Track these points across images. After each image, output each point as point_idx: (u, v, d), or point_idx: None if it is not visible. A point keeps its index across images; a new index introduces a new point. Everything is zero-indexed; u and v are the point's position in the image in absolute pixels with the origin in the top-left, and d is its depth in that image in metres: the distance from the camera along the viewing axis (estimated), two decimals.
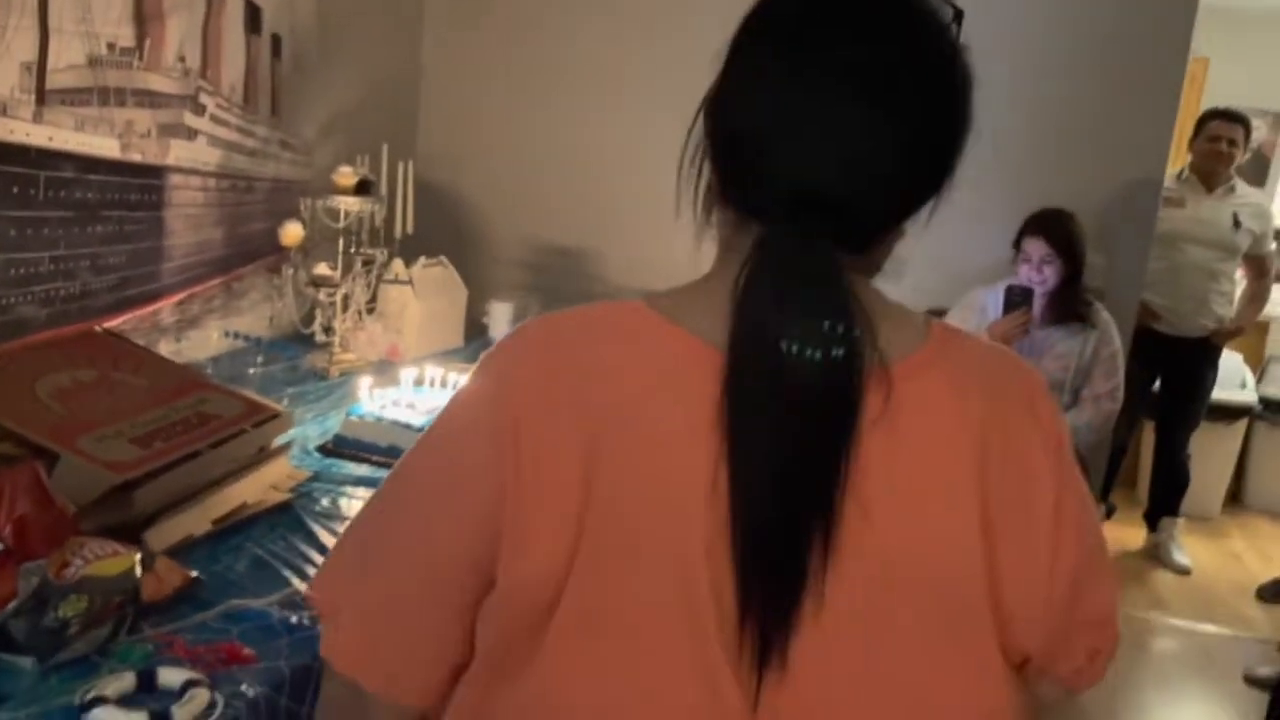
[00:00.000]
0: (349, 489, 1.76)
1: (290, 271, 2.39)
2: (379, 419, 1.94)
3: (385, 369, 2.56)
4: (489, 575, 0.70)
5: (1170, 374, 3.88)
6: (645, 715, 0.67)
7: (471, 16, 3.44)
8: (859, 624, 0.68)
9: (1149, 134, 2.94)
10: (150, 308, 2.30)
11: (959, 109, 0.74)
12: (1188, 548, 4.08)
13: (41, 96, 1.91)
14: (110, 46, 2.06)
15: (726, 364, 0.68)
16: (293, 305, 2.46)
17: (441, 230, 3.50)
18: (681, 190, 0.84)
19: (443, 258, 2.88)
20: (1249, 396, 4.65)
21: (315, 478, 1.78)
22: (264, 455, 1.67)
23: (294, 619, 1.27)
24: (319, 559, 1.47)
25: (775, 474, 0.66)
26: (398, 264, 2.69)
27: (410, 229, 2.77)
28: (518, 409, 0.71)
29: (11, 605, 1.09)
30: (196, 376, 1.73)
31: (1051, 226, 2.68)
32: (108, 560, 1.15)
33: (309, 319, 2.49)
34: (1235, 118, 3.76)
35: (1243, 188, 3.83)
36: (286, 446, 1.75)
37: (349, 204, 2.40)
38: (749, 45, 0.77)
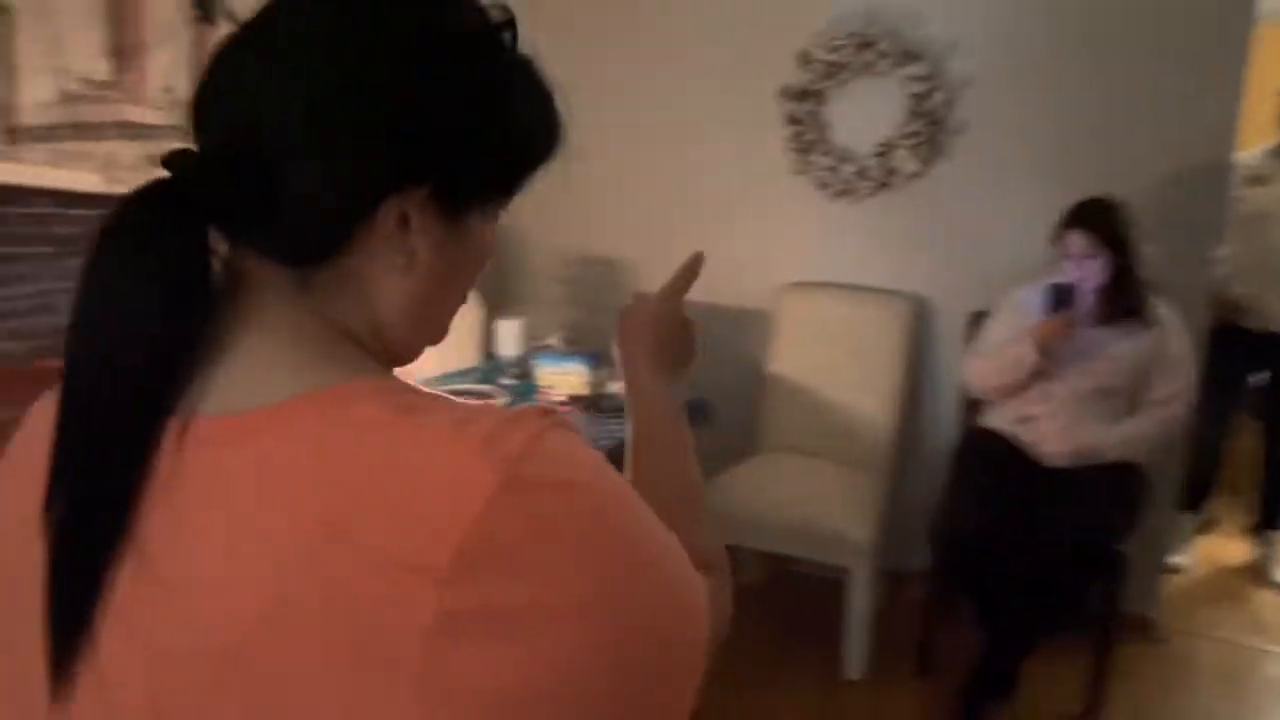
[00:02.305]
0: None
1: None
2: None
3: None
4: None
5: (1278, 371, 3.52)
6: None
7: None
8: None
9: (1214, 110, 2.66)
10: None
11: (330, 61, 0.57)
12: None
13: (12, 134, 1.94)
14: (85, 81, 2.08)
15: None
16: None
17: None
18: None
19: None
20: None
21: None
22: None
23: None
24: None
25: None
26: None
27: None
28: None
29: None
30: None
31: (1092, 217, 2.43)
32: None
33: None
34: None
35: None
36: None
37: None
38: None
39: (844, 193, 3.01)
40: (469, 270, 0.67)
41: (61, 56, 2.02)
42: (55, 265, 2.07)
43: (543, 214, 3.46)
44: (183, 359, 0.55)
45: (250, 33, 0.59)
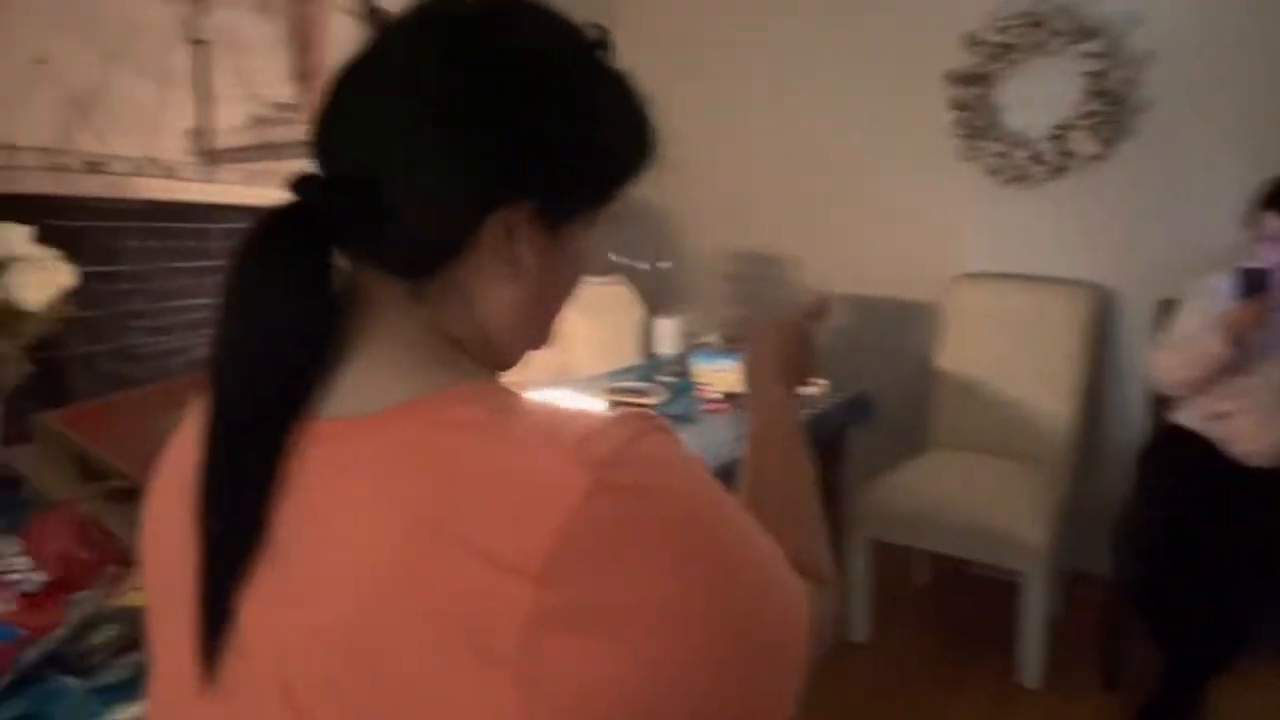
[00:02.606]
0: None
1: None
2: None
3: (556, 387, 2.60)
4: None
5: None
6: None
7: (663, 22, 3.44)
8: None
9: None
10: None
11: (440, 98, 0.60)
12: None
13: (208, 157, 2.13)
14: (273, 105, 2.26)
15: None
16: None
17: (643, 243, 3.53)
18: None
19: (617, 277, 2.89)
20: None
21: None
22: None
23: None
24: None
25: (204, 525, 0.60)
26: None
27: None
28: None
29: (60, 631, 1.21)
30: None
31: None
32: (143, 592, 1.24)
33: None
34: None
35: None
36: None
37: None
38: None
39: (1016, 179, 2.88)
40: (569, 277, 0.70)
41: (252, 84, 2.20)
42: None
43: (703, 210, 3.48)
44: (311, 369, 0.60)
45: (363, 62, 0.63)
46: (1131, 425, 2.84)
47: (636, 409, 0.61)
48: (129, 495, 1.55)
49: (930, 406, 3.00)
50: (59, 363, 1.91)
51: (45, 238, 1.83)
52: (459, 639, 0.50)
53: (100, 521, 1.38)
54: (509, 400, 0.60)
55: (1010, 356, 2.90)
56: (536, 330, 0.70)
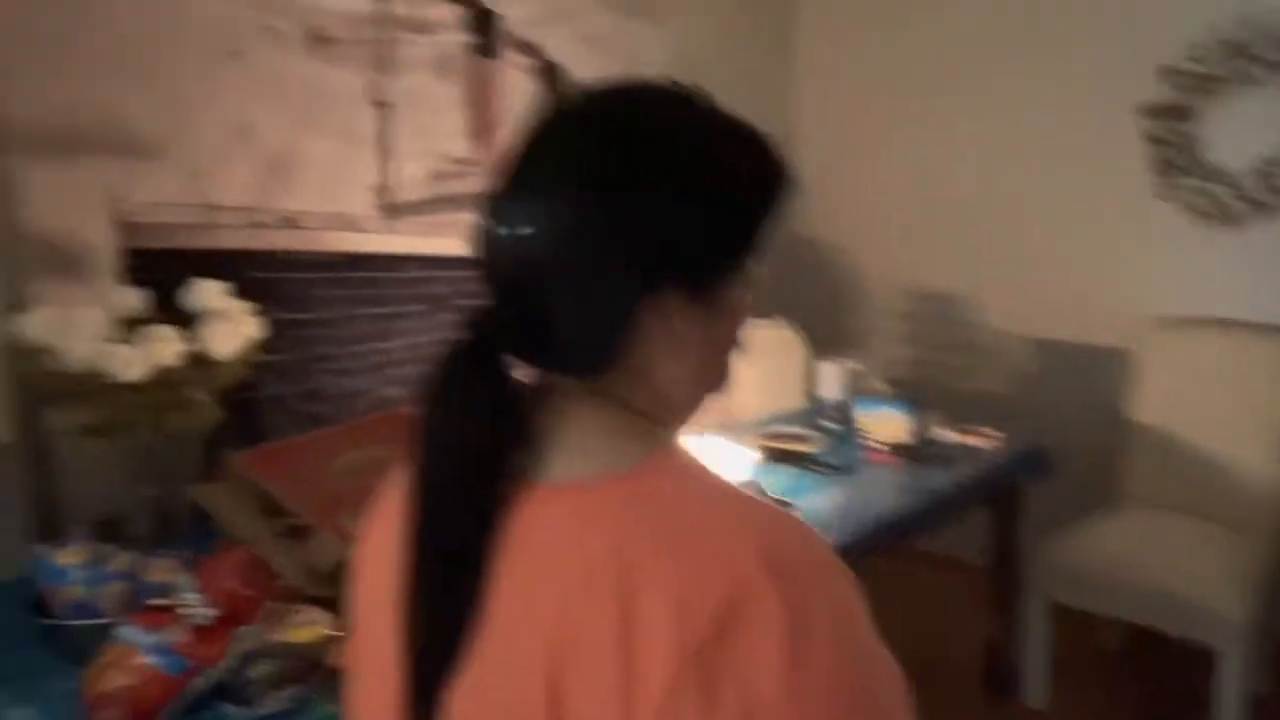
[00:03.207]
0: None
1: None
2: None
3: (717, 432, 2.61)
4: None
5: None
6: None
7: (843, 54, 3.41)
8: None
9: None
10: None
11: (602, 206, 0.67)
12: None
13: (390, 210, 2.28)
14: (450, 160, 2.39)
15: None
16: None
17: (815, 282, 3.50)
18: None
19: (780, 319, 2.88)
20: None
21: None
22: None
23: None
24: None
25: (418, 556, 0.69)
26: None
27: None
28: None
29: (224, 663, 1.31)
30: None
31: None
32: (301, 628, 1.34)
33: None
34: None
35: None
36: None
37: None
38: None
39: (1218, 217, 2.68)
40: (730, 331, 0.76)
41: (431, 141, 2.34)
42: (426, 320, 2.38)
43: (877, 246, 3.42)
44: (506, 459, 0.68)
45: (522, 161, 0.71)
46: None
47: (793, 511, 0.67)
48: (301, 533, 1.67)
49: (1119, 459, 2.81)
50: (254, 403, 2.08)
51: (243, 288, 2.00)
52: (628, 685, 0.57)
53: (267, 561, 1.49)
54: (692, 475, 0.68)
55: (1213, 407, 2.68)
56: (709, 386, 0.77)
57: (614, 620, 0.59)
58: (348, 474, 1.78)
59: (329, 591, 1.51)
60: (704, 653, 0.57)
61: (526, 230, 0.68)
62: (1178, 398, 2.73)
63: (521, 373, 0.71)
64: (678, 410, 0.75)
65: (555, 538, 0.65)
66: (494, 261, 0.71)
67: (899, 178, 3.31)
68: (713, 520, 0.63)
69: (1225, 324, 2.71)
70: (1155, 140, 2.72)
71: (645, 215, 0.67)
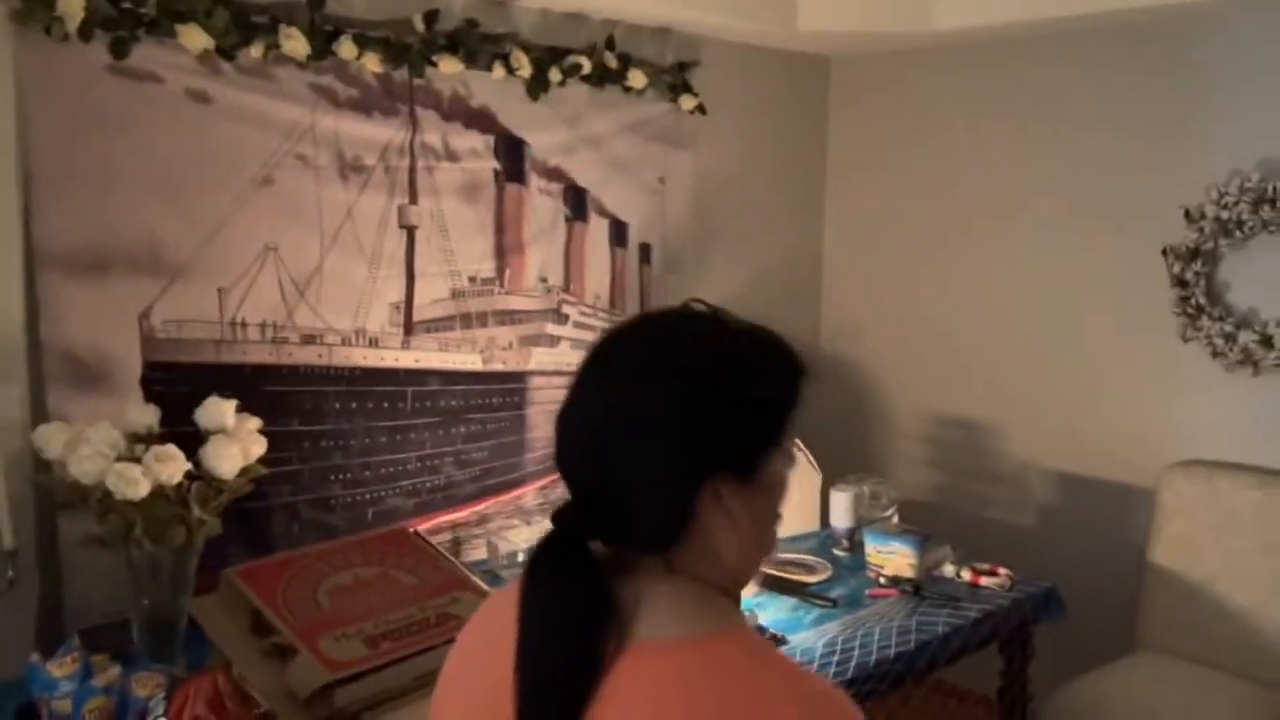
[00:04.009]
0: None
1: None
2: None
3: None
4: None
5: None
6: None
7: (870, 190, 3.47)
8: None
9: None
10: (513, 494, 2.64)
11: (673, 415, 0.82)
12: None
13: (409, 328, 2.36)
14: (472, 279, 2.48)
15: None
16: None
17: (838, 406, 3.51)
18: None
19: (796, 441, 2.88)
20: None
21: None
22: None
23: None
24: None
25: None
26: None
27: None
28: None
29: None
30: (460, 577, 1.95)
31: None
32: None
33: None
34: None
35: None
36: None
37: None
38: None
39: (1244, 362, 2.64)
40: (775, 503, 0.89)
41: (454, 262, 2.44)
42: (439, 433, 2.45)
43: (903, 370, 3.42)
44: (597, 628, 0.80)
45: (592, 361, 0.88)
46: None
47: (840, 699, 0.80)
48: (287, 652, 1.71)
49: (1138, 602, 2.74)
50: (265, 512, 2.15)
51: (262, 401, 2.08)
52: None
53: (245, 685, 1.54)
54: (760, 650, 0.83)
55: (1240, 556, 2.60)
56: (763, 550, 0.90)
57: None
58: (339, 594, 1.82)
59: (312, 713, 1.55)
60: None
61: (600, 424, 0.84)
62: (1199, 543, 2.66)
63: (602, 551, 0.84)
64: (738, 577, 0.88)
65: (639, 693, 0.77)
66: (570, 453, 0.86)
67: (927, 305, 3.32)
68: (772, 691, 0.77)
69: (1254, 471, 2.65)
70: (1180, 282, 2.71)
71: (701, 416, 0.82)
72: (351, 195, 2.23)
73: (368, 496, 2.33)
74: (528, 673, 0.81)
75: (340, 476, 2.28)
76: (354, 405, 2.28)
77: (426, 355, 2.40)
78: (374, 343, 2.30)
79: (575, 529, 0.84)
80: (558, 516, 0.85)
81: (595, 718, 0.77)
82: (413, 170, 2.33)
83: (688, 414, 0.82)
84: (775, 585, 2.39)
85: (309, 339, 2.19)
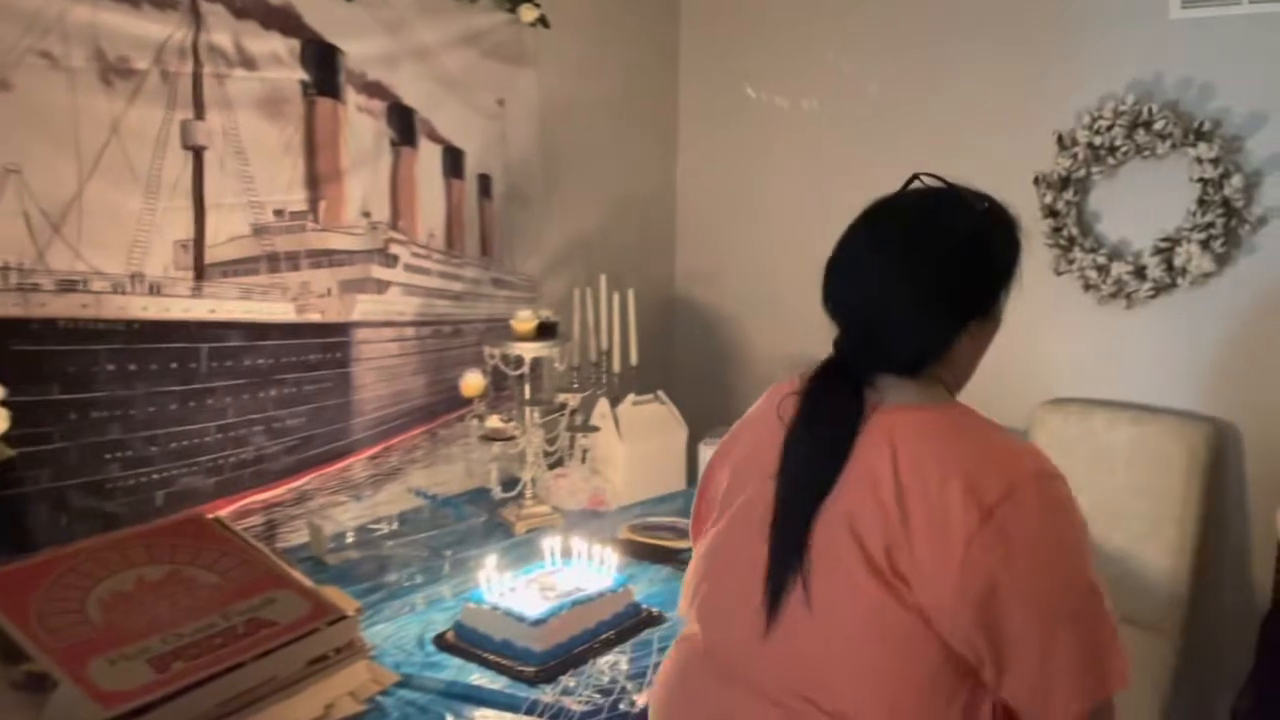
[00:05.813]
0: (430, 702, 1.53)
1: (474, 423, 2.27)
2: (495, 607, 1.70)
3: (587, 520, 2.34)
4: None
5: None
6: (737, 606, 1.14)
7: (722, 125, 3.23)
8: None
9: None
10: (338, 465, 2.27)
11: (954, 269, 1.11)
12: None
13: (201, 271, 1.95)
14: (278, 213, 2.08)
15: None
16: (482, 458, 2.34)
17: (701, 353, 3.28)
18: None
19: (660, 393, 2.63)
20: None
21: (405, 683, 1.58)
22: (330, 662, 1.50)
23: None
24: None
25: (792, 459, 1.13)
26: (602, 404, 2.48)
27: (634, 361, 2.54)
28: None
29: None
30: (275, 571, 1.61)
31: None
32: None
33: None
34: None
35: None
36: (363, 650, 1.57)
37: (527, 350, 2.24)
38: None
39: (1116, 295, 2.54)
40: (994, 332, 1.18)
41: (254, 192, 2.03)
42: (244, 398, 2.06)
43: (763, 314, 3.22)
44: (857, 414, 1.10)
45: (864, 228, 1.18)
46: (1254, 586, 2.44)
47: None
48: (44, 683, 1.33)
49: None
50: (18, 501, 1.72)
51: (6, 364, 1.66)
52: (943, 535, 1.00)
53: None
54: (975, 414, 1.11)
55: (1110, 497, 2.53)
56: (975, 369, 1.20)
57: (934, 486, 1.01)
58: (115, 603, 1.44)
59: None
60: (995, 511, 0.98)
61: (876, 282, 1.12)
62: (1075, 484, 2.56)
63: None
64: (963, 380, 1.18)
65: (894, 432, 1.07)
66: (845, 299, 1.16)
67: (782, 243, 3.11)
68: (990, 440, 1.07)
69: (1124, 407, 2.58)
70: (1052, 213, 2.59)
71: (966, 278, 1.11)
72: (118, 106, 1.79)
73: (155, 477, 1.93)
74: (800, 436, 1.13)
75: (118, 454, 1.86)
76: (133, 367, 1.86)
77: (225, 305, 1.99)
78: (156, 290, 1.88)
79: (847, 356, 1.14)
80: (838, 344, 1.16)
81: (860, 442, 1.07)
82: (198, 78, 1.90)
83: (955, 276, 1.10)
84: (645, 553, 2.14)
85: (68, 285, 1.75)
